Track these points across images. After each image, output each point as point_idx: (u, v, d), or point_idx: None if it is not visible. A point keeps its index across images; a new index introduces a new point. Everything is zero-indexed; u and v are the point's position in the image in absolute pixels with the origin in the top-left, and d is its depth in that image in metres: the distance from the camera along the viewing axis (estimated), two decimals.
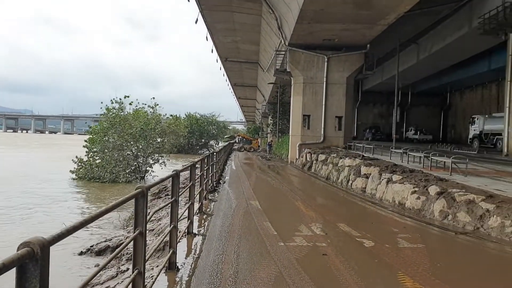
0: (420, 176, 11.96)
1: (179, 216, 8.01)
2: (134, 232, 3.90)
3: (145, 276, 5.86)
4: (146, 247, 4.23)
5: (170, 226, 5.72)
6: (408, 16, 25.58)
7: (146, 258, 6.96)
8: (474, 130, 37.50)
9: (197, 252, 6.79)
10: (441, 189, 10.01)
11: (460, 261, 6.82)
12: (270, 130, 56.78)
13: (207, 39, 34.87)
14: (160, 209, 7.18)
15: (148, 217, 4.53)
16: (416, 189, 10.77)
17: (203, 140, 71.57)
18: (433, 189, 10.15)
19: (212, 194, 13.01)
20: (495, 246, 7.43)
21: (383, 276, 5.70)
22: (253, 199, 12.55)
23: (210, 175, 12.96)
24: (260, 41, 35.86)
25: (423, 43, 36.45)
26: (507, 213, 7.92)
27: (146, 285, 5.08)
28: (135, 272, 3.92)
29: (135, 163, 31.45)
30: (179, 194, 5.94)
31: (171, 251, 5.72)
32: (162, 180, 5.36)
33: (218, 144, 70.32)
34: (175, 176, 5.63)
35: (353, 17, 21.22)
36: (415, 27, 32.28)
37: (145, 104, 34.80)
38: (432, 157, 15.27)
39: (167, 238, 5.92)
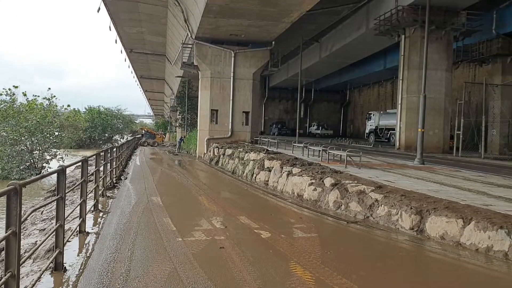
0: (317, 169, 12.48)
1: (70, 214, 7.60)
2: (6, 232, 3.60)
3: (27, 279, 5.48)
4: (25, 248, 3.94)
5: (56, 225, 5.39)
6: (311, 15, 26.57)
7: (33, 259, 6.51)
8: (370, 125, 40.05)
9: (89, 251, 6.48)
10: (336, 180, 10.52)
11: (350, 248, 7.20)
12: (179, 125, 55.97)
13: (110, 29, 33.45)
14: (41, 207, 6.73)
15: (26, 216, 4.22)
16: (313, 181, 11.21)
17: (106, 135, 68.60)
18: (328, 181, 10.63)
19: (111, 191, 12.50)
20: (382, 234, 7.94)
21: (276, 265, 5.84)
22: (155, 195, 12.27)
23: (108, 171, 12.44)
24: (167, 33, 35.15)
25: (325, 42, 38.07)
26: (393, 202, 8.50)
27: (26, 287, 4.74)
28: (8, 275, 3.62)
29: (31, 158, 29.34)
30: (66, 191, 5.60)
31: (57, 251, 5.39)
32: (43, 176, 5.01)
33: (123, 139, 67.87)
34: (61, 171, 5.29)
35: (259, 14, 21.55)
36: (317, 26, 33.60)
37: (38, 96, 32.45)
38: (329, 151, 16.02)
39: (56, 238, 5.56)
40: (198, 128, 29.62)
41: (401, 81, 26.04)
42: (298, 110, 30.70)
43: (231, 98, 27.67)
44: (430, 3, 16.77)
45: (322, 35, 37.28)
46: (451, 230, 7.00)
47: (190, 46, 28.45)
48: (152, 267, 5.69)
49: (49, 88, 33.84)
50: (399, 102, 26.33)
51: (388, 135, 35.97)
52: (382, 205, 8.66)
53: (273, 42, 26.89)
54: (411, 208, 7.87)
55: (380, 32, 26.79)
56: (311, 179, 11.36)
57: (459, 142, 23.06)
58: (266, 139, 25.75)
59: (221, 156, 23.23)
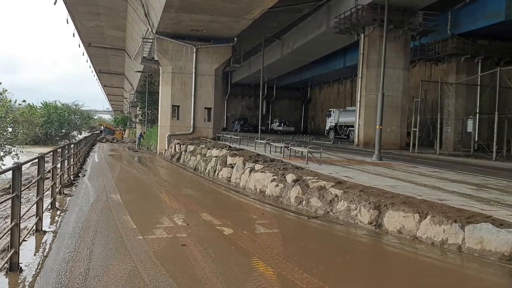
0: (279, 165, 12.59)
1: (26, 213, 7.35)
2: None
3: None
4: None
5: (11, 224, 5.20)
6: (272, 12, 26.70)
7: None
8: (330, 122, 40.75)
9: (46, 250, 6.29)
10: (297, 176, 10.64)
11: (311, 243, 7.31)
12: (139, 121, 55.00)
13: (67, 22, 32.46)
14: None
15: None
16: (275, 177, 11.30)
17: (63, 131, 66.60)
18: (290, 177, 10.75)
19: (68, 189, 12.18)
20: (342, 228, 8.10)
21: (239, 262, 5.86)
22: (115, 192, 12.04)
23: (66, 168, 12.11)
24: (127, 27, 34.46)
25: (286, 39, 38.35)
26: (352, 197, 8.68)
27: None
28: None
29: None
30: (22, 189, 5.41)
31: (12, 251, 5.20)
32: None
33: (81, 135, 66.09)
34: (16, 169, 5.11)
35: (220, 9, 21.45)
36: (279, 23, 33.80)
37: None
38: (291, 147, 16.19)
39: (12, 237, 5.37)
40: (158, 124, 29.24)
41: (360, 79, 26.56)
42: (260, 107, 30.84)
43: (193, 94, 27.45)
44: (388, 2, 17.16)
45: (284, 33, 37.53)
46: (408, 225, 7.22)
47: (151, 40, 28.01)
48: (112, 266, 5.59)
49: (0, 83, 32.39)
50: (358, 100, 26.86)
51: (348, 132, 36.68)
52: (342, 201, 8.83)
53: (235, 39, 26.86)
54: (370, 203, 8.06)
55: (340, 31, 27.23)
56: (273, 175, 11.44)
57: (415, 139, 23.78)
58: (229, 136, 25.72)
59: (183, 153, 23.04)
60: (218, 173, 15.62)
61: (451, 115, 26.94)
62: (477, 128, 25.21)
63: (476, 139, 24.48)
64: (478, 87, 26.54)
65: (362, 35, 26.28)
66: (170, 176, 18.52)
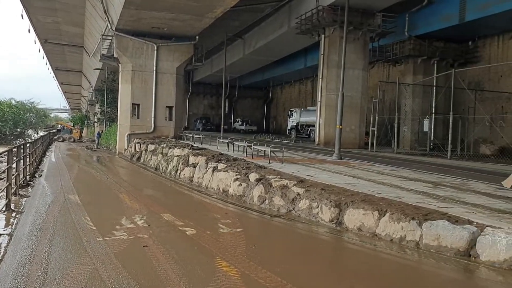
0: (242, 164, 12.61)
1: None
2: None
3: None
4: None
5: None
6: (234, 11, 26.70)
7: None
8: (292, 121, 41.16)
9: (1, 253, 6.06)
10: (260, 176, 10.69)
11: (274, 242, 7.37)
12: (98, 119, 53.71)
13: (22, 18, 31.28)
14: None
15: None
16: (238, 176, 11.31)
17: (18, 130, 64.19)
18: (253, 176, 10.78)
19: (24, 190, 11.76)
20: (304, 227, 8.20)
21: (202, 262, 5.83)
22: (73, 193, 11.73)
23: (21, 168, 11.69)
24: (85, 23, 33.59)
25: (248, 39, 38.43)
26: (314, 196, 8.80)
27: None
28: None
29: None
30: None
31: None
32: None
33: (37, 134, 63.88)
34: None
35: (182, 7, 21.25)
36: (241, 23, 33.84)
37: None
38: (254, 147, 16.25)
39: None
40: (118, 123, 28.64)
41: (320, 79, 26.93)
42: (222, 106, 30.78)
43: (153, 92, 27.06)
44: (348, 4, 17.48)
45: (246, 32, 37.59)
46: (367, 222, 7.39)
47: (110, 38, 27.41)
48: (71, 269, 5.45)
49: None
50: (319, 100, 27.23)
51: (309, 131, 37.13)
52: (304, 199, 8.94)
53: (197, 37, 26.67)
54: (331, 201, 8.19)
55: (301, 31, 27.52)
56: (236, 175, 11.45)
57: (374, 138, 24.35)
58: (191, 135, 25.52)
59: (143, 152, 22.69)
60: (180, 173, 15.47)
61: (408, 115, 27.73)
62: (432, 128, 26.06)
63: (432, 138, 25.31)
64: (434, 87, 27.43)
65: (323, 36, 26.66)
66: (130, 176, 18.21)
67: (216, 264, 5.72)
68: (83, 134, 61.66)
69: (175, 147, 18.49)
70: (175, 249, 6.43)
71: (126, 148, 26.72)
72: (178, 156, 16.92)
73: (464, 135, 23.20)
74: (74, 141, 49.44)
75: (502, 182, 7.28)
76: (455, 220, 6.41)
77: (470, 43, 28.92)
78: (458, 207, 7.54)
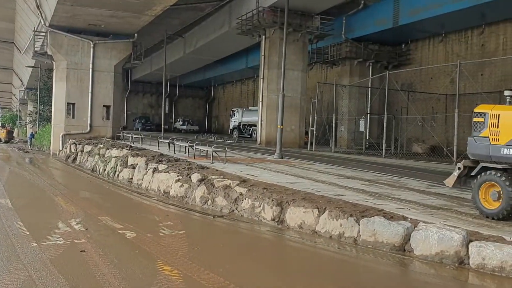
0: (184, 165, 12.46)
1: None
2: None
3: None
4: None
5: None
6: (175, 9, 26.33)
7: None
8: (234, 121, 41.24)
9: None
10: (203, 176, 10.62)
11: (217, 243, 7.34)
12: (31, 119, 50.99)
13: None
14: None
15: None
16: (180, 177, 11.17)
17: None
18: (195, 177, 10.69)
19: None
20: (247, 226, 8.25)
21: (143, 266, 5.71)
22: (3, 197, 11.09)
23: None
24: (16, 19, 31.85)
25: (189, 38, 38.06)
26: (256, 195, 8.87)
27: None
28: None
29: None
30: None
31: None
32: None
33: None
34: None
35: (120, 4, 20.67)
36: (181, 21, 33.42)
37: None
38: (196, 147, 16.11)
39: None
40: (52, 123, 27.38)
41: (262, 79, 27.18)
42: (163, 105, 30.30)
43: (90, 91, 26.10)
44: (288, 6, 17.76)
45: (186, 31, 37.17)
46: (308, 220, 7.55)
47: (44, 34, 26.15)
48: (2, 277, 5.15)
49: None
50: (260, 100, 27.47)
51: (251, 131, 37.33)
52: (247, 199, 8.99)
53: (136, 34, 26.06)
54: (273, 200, 8.30)
55: (242, 32, 27.62)
56: (177, 176, 11.30)
57: (313, 138, 24.91)
58: (130, 135, 24.89)
59: (79, 153, 21.86)
60: (118, 174, 15.05)
61: (345, 115, 28.59)
62: (368, 127, 27.03)
63: (367, 138, 26.24)
64: (369, 89, 28.46)
65: (263, 36, 26.89)
66: (66, 178, 17.50)
67: (158, 267, 5.62)
68: (14, 135, 58.40)
69: (113, 147, 17.97)
70: (114, 253, 6.26)
71: (61, 149, 25.59)
72: (116, 157, 16.45)
73: (398, 134, 24.26)
74: (1, 142, 46.63)
75: (444, 181, 7.67)
76: (390, 217, 6.70)
77: (403, 46, 30.26)
78: (393, 204, 7.88)
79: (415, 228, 6.22)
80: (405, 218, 6.65)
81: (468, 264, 5.57)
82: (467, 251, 5.62)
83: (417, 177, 12.49)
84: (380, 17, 26.54)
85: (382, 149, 21.52)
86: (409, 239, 6.19)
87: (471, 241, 5.67)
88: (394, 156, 21.47)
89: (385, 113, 21.50)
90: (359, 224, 6.74)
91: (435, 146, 21.89)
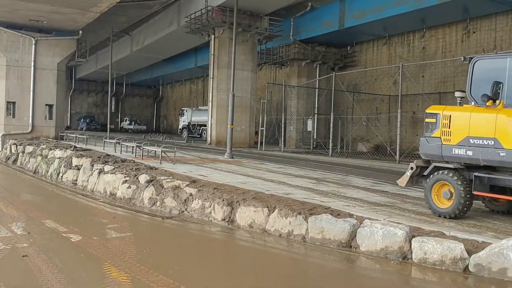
0: (131, 166, 12.22)
1: None
2: None
3: None
4: None
5: None
6: (121, 6, 25.72)
7: None
8: (183, 121, 40.85)
9: None
10: (151, 177, 10.46)
11: (166, 244, 7.26)
12: None
13: None
14: None
15: None
16: (127, 178, 10.94)
17: None
18: (143, 178, 10.51)
19: None
20: (197, 227, 8.20)
21: (89, 269, 5.56)
22: None
23: None
24: None
25: (136, 35, 37.31)
26: (207, 195, 8.84)
27: None
28: None
29: None
30: None
31: None
32: None
33: None
34: None
35: (64, 0, 19.95)
36: (128, 19, 32.69)
37: None
38: (144, 147, 15.83)
39: None
40: None
41: (211, 79, 27.10)
42: (109, 104, 29.51)
43: (32, 90, 25.04)
44: (237, 6, 17.82)
45: (134, 28, 36.41)
46: (258, 219, 7.62)
47: None
48: None
49: None
50: (210, 100, 27.38)
51: (200, 130, 37.12)
52: (197, 199, 8.94)
53: (81, 31, 25.27)
54: (223, 200, 8.30)
55: (191, 31, 27.43)
56: (125, 177, 11.06)
57: (263, 137, 25.15)
58: (74, 135, 24.07)
59: (20, 154, 20.88)
60: (62, 176, 14.51)
61: (293, 115, 29.03)
62: (315, 127, 27.58)
63: (315, 137, 26.78)
64: (317, 89, 29.05)
65: (213, 36, 26.82)
66: (6, 180, 16.69)
67: (105, 271, 5.48)
68: None
69: (56, 148, 17.33)
70: (59, 257, 6.05)
71: (0, 150, 24.36)
72: (59, 158, 15.86)
73: (344, 133, 24.95)
74: None
75: (396, 181, 7.92)
76: (337, 214, 6.89)
77: (348, 48, 31.13)
78: (340, 201, 8.11)
79: (361, 225, 6.43)
80: (351, 215, 6.86)
81: (411, 258, 5.81)
82: (410, 246, 5.85)
83: (362, 175, 12.91)
84: (327, 20, 27.16)
85: (329, 148, 22.04)
86: (355, 236, 6.38)
87: (413, 236, 5.92)
88: (340, 155, 22.06)
89: (332, 113, 22.04)
90: (307, 222, 6.88)
91: (379, 145, 22.70)
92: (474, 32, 23.37)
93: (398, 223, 6.33)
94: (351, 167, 15.74)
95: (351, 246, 6.39)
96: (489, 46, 22.22)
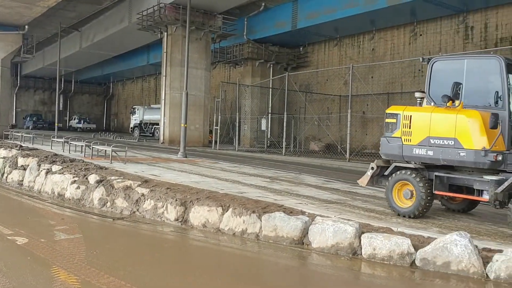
0: (81, 166, 11.89)
1: None
2: None
3: None
4: None
5: None
6: (71, 1, 25.00)
7: None
8: (135, 119, 40.11)
9: None
10: (101, 177, 10.21)
11: (117, 245, 7.11)
12: None
13: None
14: None
15: None
16: (76, 178, 10.63)
17: None
18: (93, 178, 10.25)
19: None
20: (149, 227, 8.08)
21: (36, 273, 5.36)
22: None
23: None
24: None
25: (86, 32, 36.25)
26: (159, 196, 8.73)
27: None
28: None
29: None
30: None
31: None
32: None
33: None
34: None
35: None
36: (78, 14, 31.69)
37: None
38: (93, 146, 15.42)
39: None
40: None
41: (164, 77, 26.75)
42: (57, 102, 28.50)
43: None
44: (190, 3, 17.67)
45: (83, 24, 35.32)
46: (212, 218, 7.61)
47: None
48: None
49: None
50: (163, 98, 27.03)
51: (153, 129, 36.59)
52: (149, 199, 8.81)
53: (27, 26, 24.31)
54: (176, 200, 8.23)
55: (143, 27, 26.98)
56: (73, 177, 10.74)
57: (217, 136, 25.09)
58: (19, 134, 23.10)
59: None
60: (7, 177, 13.90)
61: (247, 114, 29.16)
62: (269, 126, 27.83)
63: (269, 136, 27.02)
64: (270, 89, 29.31)
65: (165, 33, 26.48)
66: None
67: (53, 274, 5.31)
68: None
69: (1, 147, 16.60)
70: (3, 260, 5.79)
71: None
72: (4, 157, 15.19)
73: (297, 133, 25.32)
74: None
75: (357, 181, 8.01)
76: (290, 212, 6.99)
77: (301, 48, 31.60)
78: (293, 199, 8.23)
79: (313, 222, 6.56)
80: (303, 213, 6.99)
81: (361, 254, 5.97)
82: (360, 242, 6.02)
83: (314, 173, 13.16)
84: (280, 20, 27.46)
85: (282, 147, 22.30)
86: (307, 233, 6.50)
87: (363, 232, 6.10)
88: (293, 154, 22.36)
89: (285, 113, 22.30)
90: (261, 220, 6.94)
91: (330, 144, 23.20)
92: (421, 35, 24.33)
93: (349, 219, 6.50)
94: (304, 166, 16.00)
95: (303, 243, 6.50)
96: (434, 49, 23.21)
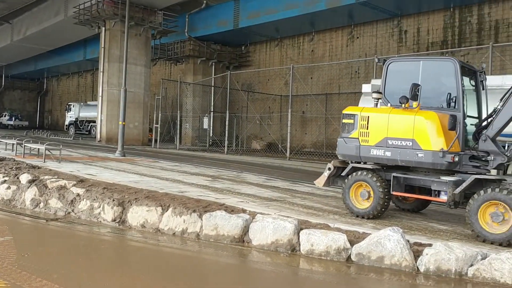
0: (11, 165, 11.34)
1: None
2: None
3: None
4: None
5: None
6: None
7: None
8: (70, 117, 38.62)
9: None
10: (33, 176, 9.76)
11: (51, 248, 6.82)
12: None
13: None
14: None
15: None
16: (7, 178, 10.09)
17: None
18: (24, 177, 9.76)
19: None
20: (84, 228, 7.81)
21: None
22: None
23: None
24: None
25: (18, 24, 34.48)
26: (96, 196, 8.46)
27: None
28: None
29: None
30: None
31: None
32: None
33: None
34: None
35: None
36: (8, 5, 30.14)
37: None
38: (25, 144, 14.70)
39: None
40: None
41: (102, 73, 25.98)
42: None
43: None
44: None
45: (15, 16, 33.53)
46: (151, 218, 7.47)
47: None
48: None
49: None
50: (100, 94, 26.24)
51: (89, 127, 35.40)
52: (84, 200, 8.52)
53: None
54: (114, 200, 8.01)
55: (80, 22, 26.07)
56: (3, 176, 10.18)
57: (157, 135, 24.68)
58: None
59: None
60: None
61: (189, 112, 28.91)
62: (211, 125, 27.75)
63: (211, 135, 26.96)
64: (212, 88, 29.22)
65: (103, 28, 25.71)
66: None
67: None
68: None
69: None
70: None
71: None
72: None
73: (239, 131, 25.43)
74: None
75: (314, 182, 7.99)
76: (231, 210, 7.02)
77: (243, 48, 31.74)
78: (234, 198, 8.27)
79: (253, 220, 6.62)
80: (244, 211, 7.04)
81: (299, 250, 6.10)
82: (298, 238, 6.14)
83: (256, 171, 13.29)
84: (222, 19, 27.45)
85: (224, 146, 22.31)
86: (248, 231, 6.56)
87: (301, 229, 6.23)
88: (236, 153, 22.45)
89: (227, 112, 22.33)
90: (201, 219, 6.91)
91: (272, 143, 23.52)
92: (358, 38, 25.19)
93: (288, 216, 6.62)
94: (246, 164, 16.10)
95: (244, 241, 6.54)
96: (370, 51, 24.12)
